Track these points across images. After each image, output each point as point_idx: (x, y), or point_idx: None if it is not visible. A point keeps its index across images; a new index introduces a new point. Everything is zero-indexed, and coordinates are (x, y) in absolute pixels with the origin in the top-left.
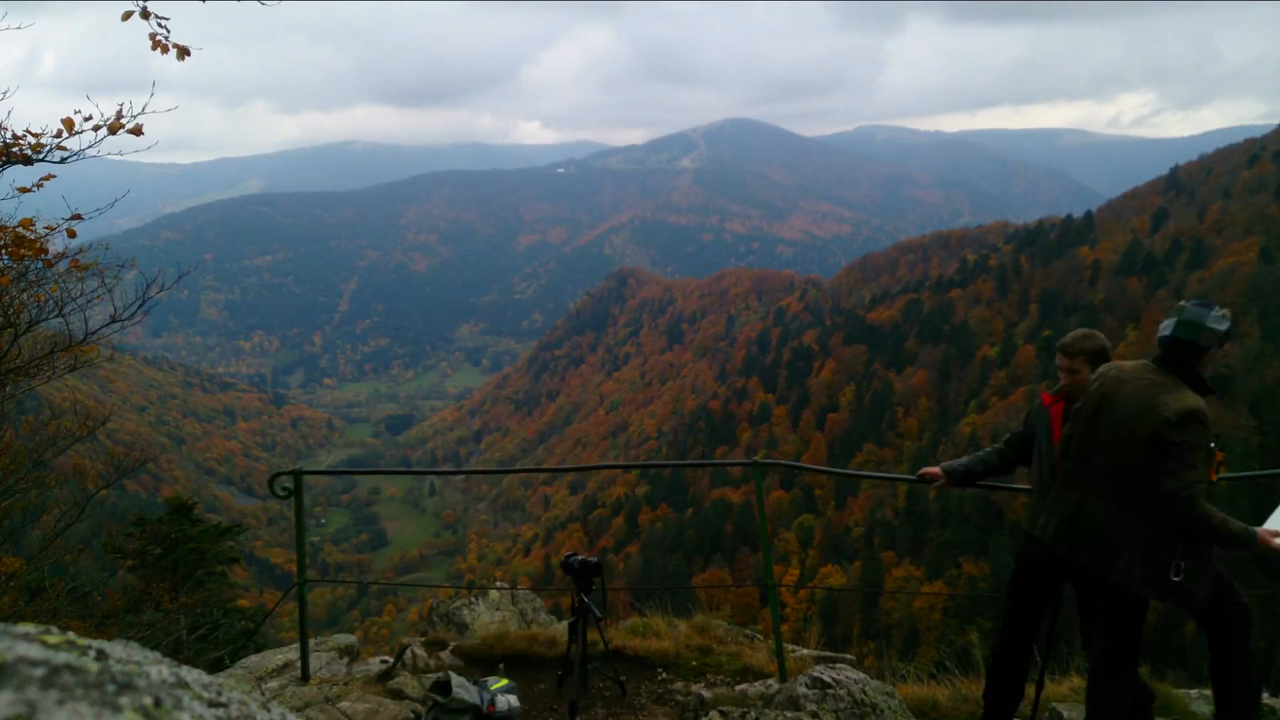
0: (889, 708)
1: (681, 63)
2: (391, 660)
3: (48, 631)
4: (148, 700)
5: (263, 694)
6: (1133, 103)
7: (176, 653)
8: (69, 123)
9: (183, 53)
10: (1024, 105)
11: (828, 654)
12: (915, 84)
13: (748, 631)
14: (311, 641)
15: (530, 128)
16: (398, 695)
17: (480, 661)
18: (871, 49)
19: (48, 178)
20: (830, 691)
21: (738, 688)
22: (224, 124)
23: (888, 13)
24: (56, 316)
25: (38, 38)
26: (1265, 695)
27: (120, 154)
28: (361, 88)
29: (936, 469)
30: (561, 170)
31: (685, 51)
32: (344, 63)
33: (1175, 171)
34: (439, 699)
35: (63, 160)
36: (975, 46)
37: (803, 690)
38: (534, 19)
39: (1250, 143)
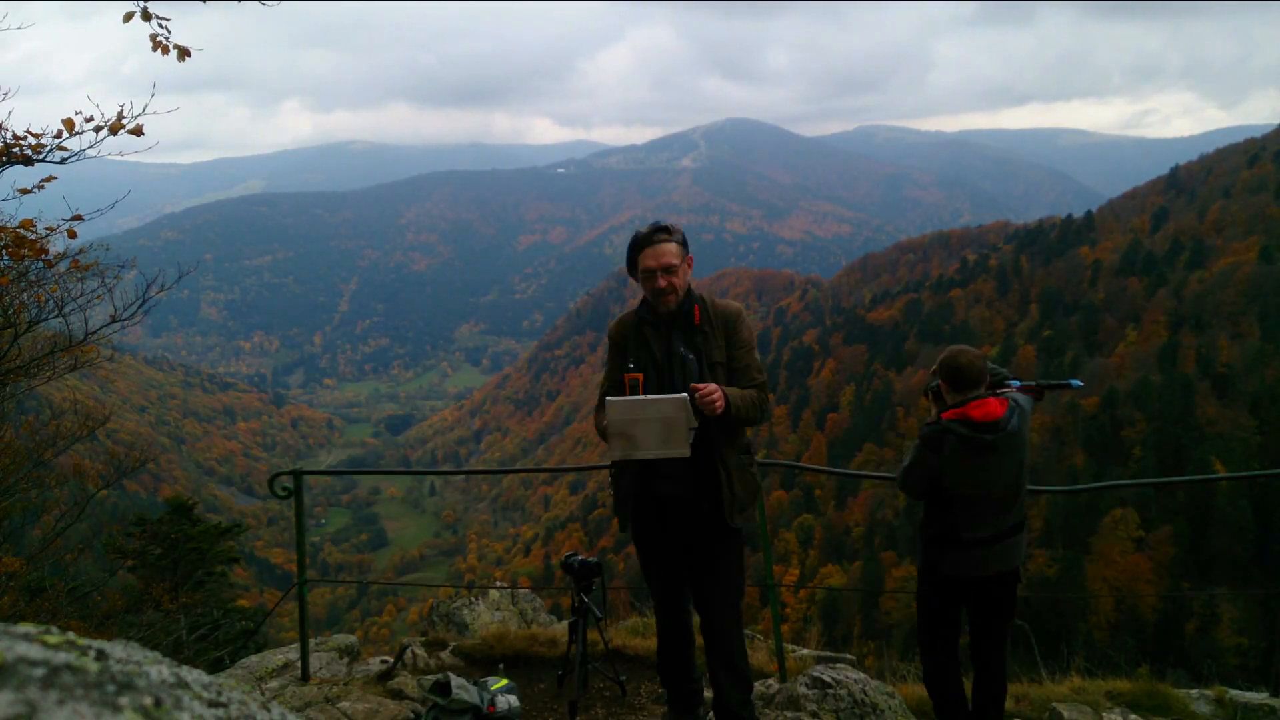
0: (889, 708)
1: (747, 61)
2: (391, 660)
3: (48, 631)
4: (148, 700)
5: (263, 694)
6: (1165, 100)
7: (176, 653)
8: (69, 123)
9: (183, 53)
10: (1055, 102)
11: (828, 654)
12: (962, 81)
13: (748, 631)
14: (311, 641)
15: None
16: (398, 695)
17: (480, 661)
18: (924, 47)
19: (49, 179)
20: (830, 691)
21: None
22: (246, 124)
23: (1017, 11)
24: (56, 316)
25: (133, 38)
26: (1265, 695)
27: (121, 154)
28: (398, 88)
29: None
30: (561, 170)
31: (753, 50)
32: (388, 63)
33: (1175, 171)
34: (439, 699)
35: (63, 161)
36: (1025, 42)
37: (803, 690)
38: (596, 16)
39: (1250, 143)
